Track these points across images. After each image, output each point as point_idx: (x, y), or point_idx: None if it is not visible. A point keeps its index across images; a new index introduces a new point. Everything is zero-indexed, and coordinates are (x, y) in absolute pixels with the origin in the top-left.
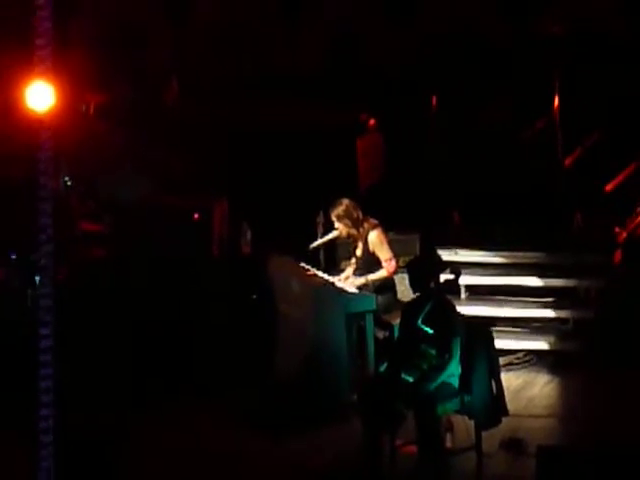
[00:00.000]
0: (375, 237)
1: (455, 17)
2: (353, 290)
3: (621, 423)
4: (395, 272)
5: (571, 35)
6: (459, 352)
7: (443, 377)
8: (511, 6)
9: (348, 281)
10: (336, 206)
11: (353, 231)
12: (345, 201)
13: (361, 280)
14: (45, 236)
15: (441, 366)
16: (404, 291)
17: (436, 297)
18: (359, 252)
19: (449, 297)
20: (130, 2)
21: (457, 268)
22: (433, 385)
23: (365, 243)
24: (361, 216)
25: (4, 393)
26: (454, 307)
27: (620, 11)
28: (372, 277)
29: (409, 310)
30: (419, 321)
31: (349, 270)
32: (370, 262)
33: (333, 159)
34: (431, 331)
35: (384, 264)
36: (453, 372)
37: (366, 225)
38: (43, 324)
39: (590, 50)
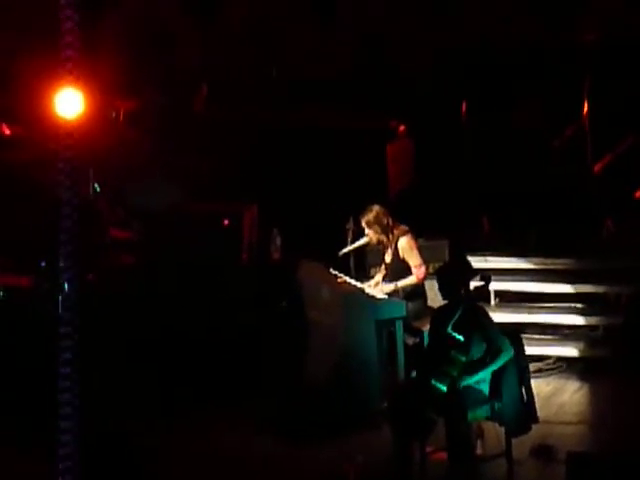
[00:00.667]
0: (405, 243)
1: (487, 21)
2: (383, 297)
3: None
4: (425, 278)
5: (603, 41)
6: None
7: (472, 383)
8: (544, 10)
9: (377, 287)
10: (366, 213)
11: (383, 237)
12: (375, 207)
13: (390, 286)
14: (68, 240)
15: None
16: (434, 298)
17: (466, 304)
18: (389, 258)
19: (480, 304)
20: (158, 7)
21: (487, 274)
22: (469, 382)
23: (395, 249)
24: (391, 222)
25: (32, 398)
26: (486, 313)
27: None
28: (402, 283)
29: (439, 317)
30: (449, 328)
31: (378, 276)
32: (400, 268)
33: (363, 165)
34: (461, 338)
35: (414, 270)
36: (483, 379)
37: (396, 231)
38: (66, 324)
39: (621, 57)
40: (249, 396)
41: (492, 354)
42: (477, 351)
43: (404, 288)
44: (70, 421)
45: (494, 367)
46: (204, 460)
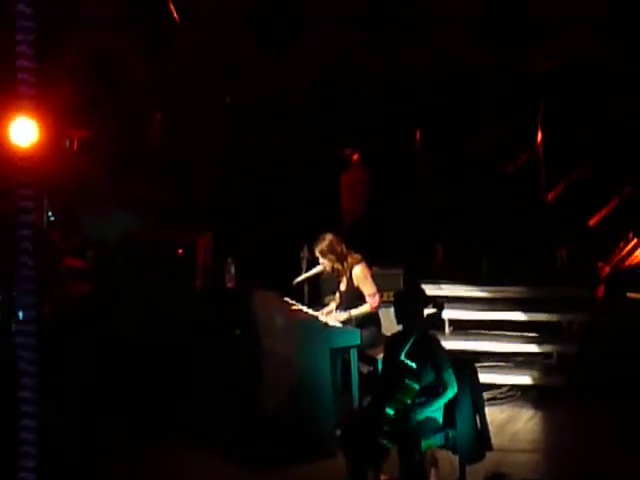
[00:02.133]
0: (359, 271)
1: (440, 49)
2: (337, 325)
3: (604, 457)
4: (378, 307)
5: (555, 69)
6: (455, 381)
7: (426, 412)
8: (496, 39)
9: (331, 315)
10: (320, 241)
11: (337, 265)
12: (329, 236)
13: (344, 315)
14: (26, 273)
15: (434, 399)
16: (389, 326)
17: (419, 331)
18: (343, 287)
19: (433, 332)
20: (112, 39)
21: (440, 302)
22: (416, 420)
23: (349, 277)
24: (345, 251)
25: None
26: (438, 341)
27: (604, 47)
28: (355, 312)
29: (392, 344)
30: (402, 355)
31: (332, 305)
32: (354, 296)
33: (317, 194)
34: (414, 365)
35: (368, 299)
36: (437, 407)
37: (350, 259)
38: (24, 361)
39: (574, 85)
40: (202, 424)
41: (441, 385)
42: (429, 378)
43: (357, 316)
44: (29, 459)
45: (440, 402)
46: None
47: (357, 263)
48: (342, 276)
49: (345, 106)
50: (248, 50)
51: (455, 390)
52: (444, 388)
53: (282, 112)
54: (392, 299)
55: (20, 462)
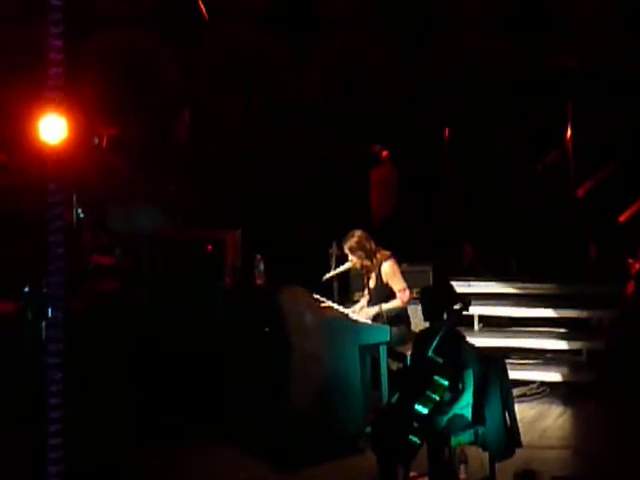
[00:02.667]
0: (388, 268)
1: (469, 48)
2: (366, 321)
3: (635, 454)
4: (409, 302)
5: (585, 67)
6: (472, 383)
7: (456, 409)
8: (525, 38)
9: (362, 311)
10: (349, 238)
11: (366, 262)
12: (358, 233)
13: (375, 309)
14: (56, 268)
15: (454, 398)
16: (418, 322)
17: (447, 328)
18: (372, 283)
19: (461, 328)
20: (140, 36)
21: (467, 299)
22: (446, 417)
23: (378, 274)
24: (374, 247)
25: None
26: (464, 338)
27: (634, 45)
28: (386, 306)
29: (421, 340)
30: (430, 352)
31: (363, 301)
32: (383, 293)
33: (346, 190)
34: (442, 361)
35: (398, 294)
36: (466, 403)
37: (379, 256)
38: (52, 354)
39: (603, 83)
40: (232, 421)
41: (461, 383)
42: (455, 375)
43: (388, 312)
44: (58, 451)
45: (462, 400)
46: None
47: (386, 259)
48: (371, 272)
49: (374, 104)
50: (275, 50)
51: (470, 392)
52: (462, 387)
53: (311, 110)
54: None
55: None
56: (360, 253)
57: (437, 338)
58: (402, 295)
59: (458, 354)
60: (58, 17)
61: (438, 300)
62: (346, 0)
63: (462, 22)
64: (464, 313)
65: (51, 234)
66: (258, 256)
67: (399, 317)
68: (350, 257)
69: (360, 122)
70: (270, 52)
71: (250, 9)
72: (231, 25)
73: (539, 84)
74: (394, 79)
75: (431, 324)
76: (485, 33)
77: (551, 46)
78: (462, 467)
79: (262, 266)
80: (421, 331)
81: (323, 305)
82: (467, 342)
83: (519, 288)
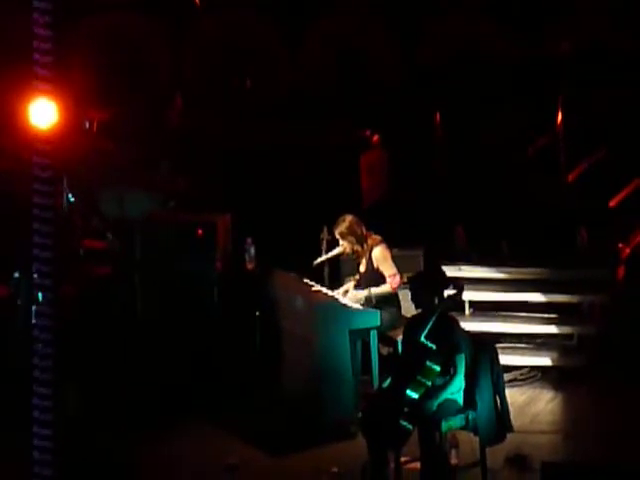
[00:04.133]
0: (379, 253)
1: (459, 33)
2: (357, 306)
3: (626, 439)
4: (398, 287)
5: (576, 52)
6: (463, 368)
7: (447, 394)
8: (516, 22)
9: (350, 294)
10: (340, 223)
11: (357, 247)
12: (349, 217)
13: (364, 293)
14: (45, 254)
15: (445, 383)
16: (409, 307)
17: (439, 313)
18: (363, 268)
19: (453, 313)
20: (130, 21)
21: (460, 283)
22: (437, 402)
23: (369, 259)
24: (365, 232)
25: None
26: (457, 323)
27: (626, 29)
28: (375, 290)
29: (412, 326)
30: (422, 337)
31: (349, 284)
32: (374, 278)
33: (337, 175)
34: (434, 347)
35: (388, 279)
36: (457, 388)
37: (370, 241)
38: (42, 342)
39: (594, 67)
40: (222, 406)
41: (452, 367)
42: (447, 360)
43: (377, 295)
44: (46, 440)
45: (453, 384)
46: (177, 469)
47: (377, 244)
48: (362, 257)
49: (364, 88)
50: (266, 34)
51: (461, 377)
52: (454, 371)
53: (301, 95)
54: None
55: (36, 455)
56: (351, 238)
57: (429, 323)
58: (392, 280)
59: (450, 339)
60: (45, 6)
61: (429, 285)
62: None
63: (455, 7)
64: (457, 298)
65: (38, 222)
66: (249, 240)
67: (390, 301)
68: (341, 242)
69: (352, 107)
70: (263, 37)
71: None
72: (224, 10)
73: (531, 69)
74: (386, 64)
75: (422, 309)
76: (478, 18)
77: (544, 31)
78: (453, 452)
79: (253, 250)
80: (413, 316)
81: (313, 289)
82: (460, 326)
83: (510, 273)
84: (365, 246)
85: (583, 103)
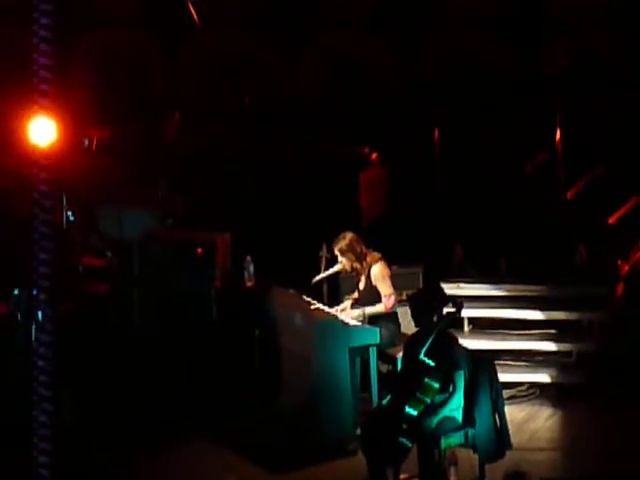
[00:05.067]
0: (378, 271)
1: (457, 48)
2: (356, 323)
3: (624, 456)
4: (393, 307)
5: (574, 68)
6: (463, 385)
7: (446, 411)
8: (514, 38)
9: (345, 313)
10: (339, 240)
11: (356, 265)
12: (348, 235)
13: (357, 312)
14: (44, 269)
15: (444, 400)
16: (408, 324)
17: (438, 330)
18: (362, 285)
19: (452, 330)
20: (129, 39)
21: (459, 301)
22: (436, 419)
23: (368, 276)
24: (364, 249)
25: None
26: (457, 340)
27: (624, 44)
28: (369, 310)
29: (412, 343)
30: (421, 354)
31: (347, 302)
32: (372, 295)
33: (336, 192)
34: (433, 364)
35: (383, 299)
36: (457, 405)
37: (369, 258)
38: (42, 358)
39: (593, 83)
40: (221, 423)
41: (451, 385)
42: (446, 377)
43: (369, 316)
44: (45, 457)
45: (452, 402)
46: None
47: (376, 262)
48: (361, 275)
49: (362, 105)
50: (264, 51)
51: (461, 394)
52: (453, 388)
53: (299, 112)
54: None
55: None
56: (350, 255)
57: (429, 341)
58: (387, 301)
59: (449, 356)
60: (47, 22)
61: (428, 303)
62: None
63: (453, 22)
64: (457, 316)
65: (39, 238)
66: (248, 258)
67: (389, 319)
68: (340, 259)
69: (350, 124)
70: (261, 52)
71: (242, 9)
72: (222, 25)
73: (529, 85)
74: (384, 79)
75: (421, 327)
76: (473, 33)
77: (542, 47)
78: (452, 469)
79: (252, 268)
80: (412, 334)
81: (312, 307)
82: (459, 344)
83: (509, 290)
84: (364, 264)
85: (582, 119)
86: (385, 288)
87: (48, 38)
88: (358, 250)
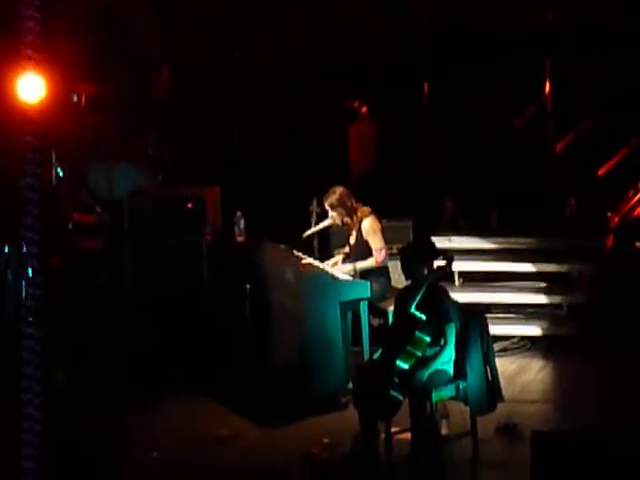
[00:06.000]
0: (368, 225)
1: (446, 4)
2: (347, 278)
3: (616, 407)
4: (383, 262)
5: (563, 22)
6: (454, 338)
7: (437, 364)
8: None
9: (336, 268)
10: (330, 195)
11: (347, 219)
12: (339, 189)
13: (349, 267)
14: (33, 225)
15: (436, 353)
16: (398, 278)
17: (429, 284)
18: (353, 240)
19: (443, 284)
20: None
21: (450, 254)
22: (427, 373)
23: (359, 230)
24: (355, 204)
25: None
26: (447, 293)
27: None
28: (360, 265)
29: (402, 297)
30: (412, 308)
31: (338, 257)
32: (364, 250)
33: (326, 147)
34: (424, 317)
35: (374, 253)
36: (448, 359)
37: (360, 212)
38: (32, 313)
39: (582, 37)
40: (213, 378)
41: (442, 338)
42: (437, 330)
43: (361, 270)
44: (36, 411)
45: (443, 355)
46: (171, 440)
47: (367, 216)
48: (352, 229)
49: (353, 60)
50: (254, 7)
51: (452, 347)
52: (444, 342)
53: (289, 66)
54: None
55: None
56: (341, 210)
57: (419, 294)
58: (377, 255)
59: (440, 309)
60: None
61: (419, 256)
62: None
63: None
64: (447, 269)
65: (25, 190)
66: (238, 213)
67: (380, 273)
68: (330, 213)
69: (340, 78)
70: (251, 8)
71: None
72: None
73: (518, 39)
74: (374, 35)
75: (412, 281)
76: None
77: (531, 0)
78: (444, 422)
79: (242, 223)
80: (403, 287)
81: (303, 262)
82: (450, 297)
83: (499, 243)
84: (355, 218)
85: (571, 72)
86: (376, 242)
87: None
88: (348, 204)
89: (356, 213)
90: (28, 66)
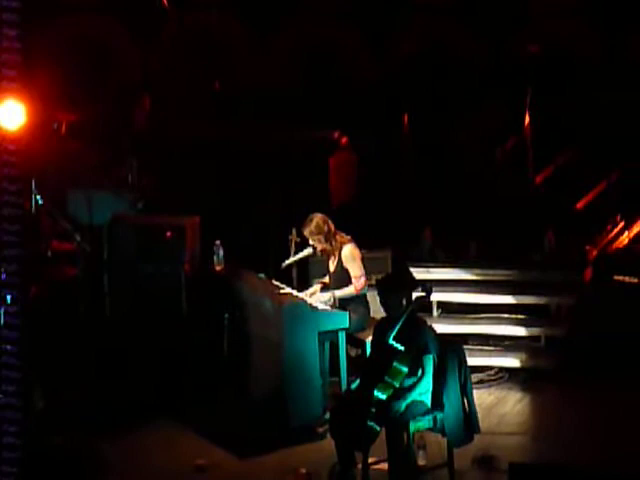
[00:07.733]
0: (348, 252)
1: (428, 35)
2: (325, 307)
3: (592, 439)
4: (362, 289)
5: (543, 54)
6: (431, 369)
7: (415, 395)
8: (484, 25)
9: (314, 297)
10: (307, 223)
11: (326, 245)
12: (315, 217)
13: (327, 295)
14: (12, 252)
15: (413, 384)
16: (377, 309)
17: (407, 315)
18: (332, 267)
19: (421, 314)
20: (98, 22)
21: (428, 285)
22: (405, 403)
23: (339, 258)
24: (333, 230)
25: None
26: (426, 324)
27: (593, 31)
28: (339, 293)
29: (381, 327)
30: (390, 338)
31: (316, 286)
32: (343, 277)
33: (306, 177)
34: (402, 348)
35: (353, 281)
36: (425, 389)
37: (339, 239)
38: (9, 342)
39: (561, 69)
40: (192, 407)
41: (420, 368)
42: (415, 361)
43: (340, 297)
44: (13, 437)
45: (421, 385)
46: (150, 469)
47: (346, 243)
48: (331, 256)
49: (333, 90)
50: (236, 36)
51: (429, 378)
52: (422, 372)
53: (270, 96)
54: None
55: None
56: (319, 237)
57: (398, 325)
58: (356, 282)
59: (418, 340)
60: (14, 5)
61: (397, 288)
62: None
63: (424, 9)
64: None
65: (5, 221)
66: (217, 242)
67: (358, 303)
68: (310, 241)
69: (320, 108)
70: (232, 37)
71: None
72: (192, 11)
73: (499, 71)
74: (355, 66)
75: (391, 312)
76: (444, 20)
77: (512, 33)
78: (421, 453)
79: (221, 252)
80: (382, 318)
81: (282, 292)
82: (428, 328)
83: (478, 274)
84: (334, 244)
85: (551, 104)
86: (355, 269)
87: (14, 21)
88: (326, 230)
89: (335, 239)
90: (7, 92)
